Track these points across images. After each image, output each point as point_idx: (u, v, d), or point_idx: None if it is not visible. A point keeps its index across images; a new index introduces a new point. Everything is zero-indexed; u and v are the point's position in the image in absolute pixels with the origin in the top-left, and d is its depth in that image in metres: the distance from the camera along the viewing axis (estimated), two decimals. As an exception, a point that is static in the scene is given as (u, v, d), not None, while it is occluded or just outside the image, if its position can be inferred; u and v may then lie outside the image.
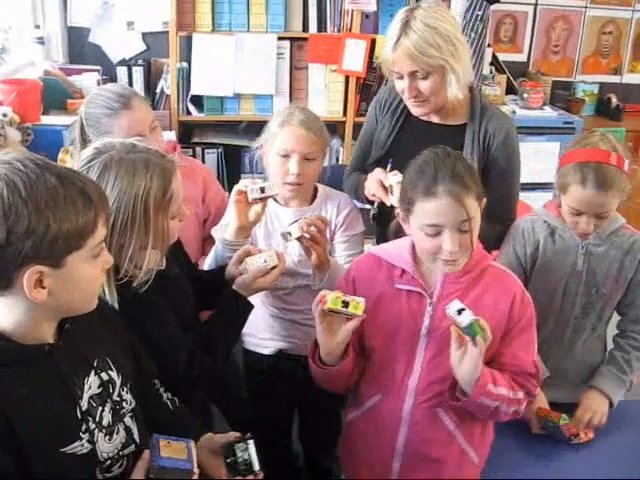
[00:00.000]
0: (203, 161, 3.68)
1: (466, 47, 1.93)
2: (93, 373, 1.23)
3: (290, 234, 1.87)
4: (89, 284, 1.18)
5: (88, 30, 3.64)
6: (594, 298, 1.96)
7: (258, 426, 2.14)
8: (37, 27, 3.45)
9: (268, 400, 2.14)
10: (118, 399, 1.27)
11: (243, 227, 1.87)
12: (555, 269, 1.95)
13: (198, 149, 3.67)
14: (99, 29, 3.65)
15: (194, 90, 3.58)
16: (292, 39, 3.62)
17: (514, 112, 3.96)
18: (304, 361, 1.73)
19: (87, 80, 3.37)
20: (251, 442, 1.36)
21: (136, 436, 1.29)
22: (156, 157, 1.48)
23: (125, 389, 1.29)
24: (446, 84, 1.92)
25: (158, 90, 3.67)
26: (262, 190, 1.84)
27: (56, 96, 3.11)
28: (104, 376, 1.25)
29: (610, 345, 2.05)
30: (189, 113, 3.63)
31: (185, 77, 3.56)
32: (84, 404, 1.19)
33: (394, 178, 1.84)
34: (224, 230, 1.94)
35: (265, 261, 1.76)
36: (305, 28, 3.63)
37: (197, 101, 3.63)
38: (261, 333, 2.11)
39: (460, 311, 1.47)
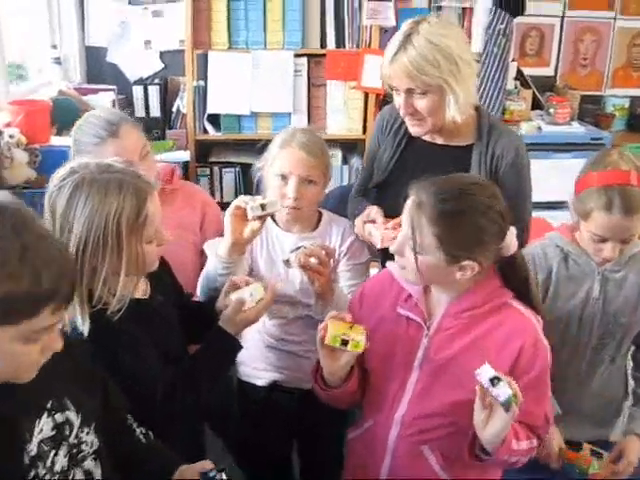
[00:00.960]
0: (220, 180, 3.66)
1: (472, 68, 1.84)
2: (46, 415, 1.17)
3: (289, 262, 1.81)
4: (17, 360, 1.07)
5: (105, 50, 3.64)
6: (612, 327, 1.84)
7: (255, 456, 2.08)
8: (54, 47, 3.45)
9: (262, 431, 2.07)
10: (76, 441, 1.21)
11: (237, 243, 1.80)
12: (569, 297, 1.85)
13: (215, 168, 3.64)
14: (116, 48, 3.64)
15: (210, 109, 3.54)
16: (309, 56, 3.56)
17: (540, 128, 3.84)
18: (299, 394, 1.66)
19: (102, 100, 3.35)
20: (223, 473, 1.34)
21: (98, 478, 1.23)
22: (131, 177, 1.43)
23: (86, 430, 1.23)
24: (444, 104, 1.84)
25: (174, 109, 3.65)
26: (262, 207, 1.77)
27: (69, 116, 3.04)
28: (59, 418, 1.19)
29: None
30: (206, 132, 3.59)
31: (201, 95, 3.52)
32: (32, 448, 1.12)
33: (374, 231, 1.82)
34: (217, 246, 1.87)
35: (251, 295, 1.68)
36: (323, 44, 3.56)
37: (214, 120, 3.59)
38: (255, 363, 2.05)
39: (494, 380, 1.35)
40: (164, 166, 2.25)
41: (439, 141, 1.98)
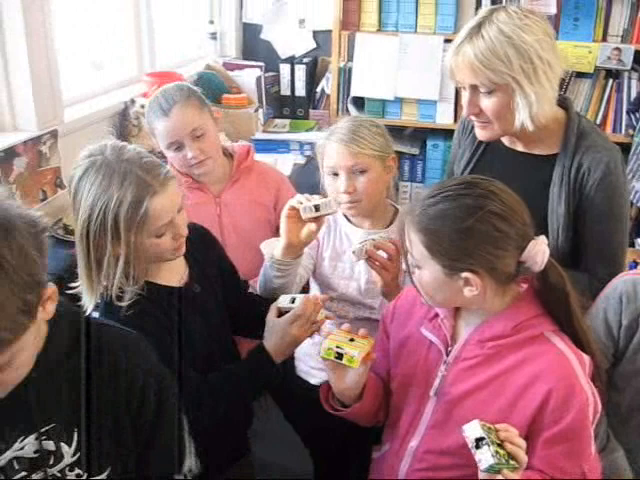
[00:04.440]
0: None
1: (552, 70, 1.62)
2: (34, 437, 1.14)
3: (354, 254, 1.74)
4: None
5: (260, 27, 3.72)
6: None
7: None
8: (211, 22, 3.59)
9: (314, 432, 2.04)
10: (59, 475, 1.17)
11: (292, 245, 1.74)
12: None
13: (356, 153, 3.62)
14: (271, 26, 3.70)
15: (354, 91, 3.51)
16: (461, 42, 3.38)
17: None
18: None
19: (247, 76, 3.45)
20: None
21: None
22: (139, 169, 1.40)
23: (78, 470, 1.18)
24: (514, 107, 1.64)
25: (319, 89, 3.67)
26: (316, 208, 1.70)
27: (212, 90, 3.21)
28: (49, 445, 1.15)
29: None
30: (349, 114, 3.54)
31: (346, 77, 3.51)
32: (1, 460, 1.12)
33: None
34: (275, 246, 1.81)
35: (293, 301, 1.63)
36: (477, 30, 3.35)
37: (358, 103, 3.55)
38: (311, 361, 2.00)
39: (479, 442, 1.20)
40: (240, 145, 2.26)
41: (519, 147, 1.79)
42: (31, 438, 1.14)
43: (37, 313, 1.06)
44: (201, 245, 1.65)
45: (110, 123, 2.78)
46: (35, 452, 1.14)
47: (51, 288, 1.09)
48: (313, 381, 2.00)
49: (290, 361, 2.03)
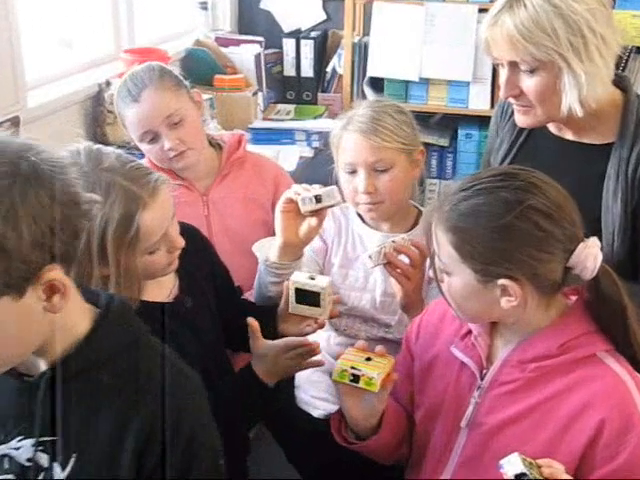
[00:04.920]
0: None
1: (608, 46, 1.64)
2: (31, 442, 1.16)
3: (370, 258, 1.77)
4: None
5: (260, -5, 3.78)
6: None
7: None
8: (201, -10, 3.65)
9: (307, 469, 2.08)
10: None
11: (290, 245, 1.78)
12: None
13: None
14: (272, -7, 3.76)
15: (372, 71, 3.56)
16: (500, 12, 3.43)
17: None
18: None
19: (244, 53, 3.49)
20: None
21: None
22: (124, 179, 1.43)
23: None
24: (560, 88, 1.67)
25: (329, 68, 3.72)
26: (317, 199, 1.73)
27: (203, 70, 3.29)
28: (42, 459, 1.17)
29: None
30: (365, 98, 3.56)
31: (362, 54, 3.56)
32: None
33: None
34: (269, 247, 1.87)
35: (312, 278, 1.67)
36: (519, -2, 3.41)
37: (376, 85, 3.60)
38: (313, 389, 2.04)
39: (520, 478, 1.22)
40: (230, 134, 2.29)
41: (568, 136, 1.83)
42: (29, 442, 1.16)
43: (24, 292, 1.04)
44: (192, 250, 1.67)
45: (81, 109, 2.83)
46: (28, 460, 1.16)
47: (59, 276, 1.06)
48: (316, 413, 2.03)
49: (288, 388, 2.06)
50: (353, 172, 1.85)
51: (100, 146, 1.50)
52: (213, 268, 1.79)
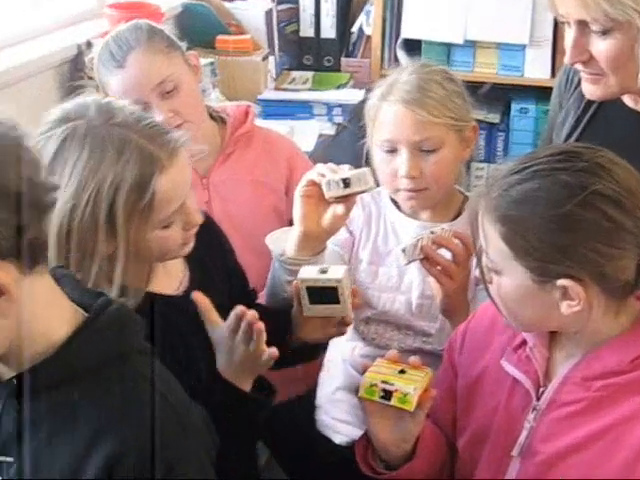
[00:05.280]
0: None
1: None
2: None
3: (404, 252, 1.77)
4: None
5: None
6: None
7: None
8: None
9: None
10: None
11: (310, 236, 1.78)
12: None
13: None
14: None
15: (406, 32, 3.54)
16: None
17: None
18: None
19: (253, 9, 3.47)
20: None
21: None
22: (141, 136, 1.45)
23: None
24: (638, 53, 1.69)
25: (355, 29, 3.69)
26: (346, 183, 1.73)
27: (202, 30, 3.28)
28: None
29: None
30: (398, 64, 3.54)
31: (395, 12, 3.54)
32: None
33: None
34: (286, 239, 1.86)
35: (324, 271, 1.66)
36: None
37: (411, 48, 3.57)
38: (334, 410, 2.06)
39: None
40: (235, 105, 2.30)
41: None
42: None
43: None
44: (205, 239, 1.69)
45: (57, 75, 2.79)
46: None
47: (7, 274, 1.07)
48: (337, 439, 2.04)
49: (308, 408, 2.08)
50: (392, 151, 1.87)
51: (111, 99, 1.55)
52: (228, 265, 1.83)
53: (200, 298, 1.59)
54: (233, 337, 1.55)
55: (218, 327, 1.59)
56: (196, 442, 1.25)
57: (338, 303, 1.67)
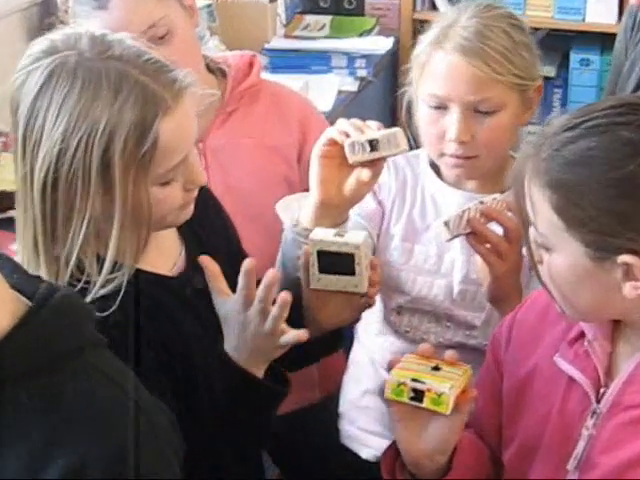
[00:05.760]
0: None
1: None
2: None
3: (447, 225, 1.78)
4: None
5: None
6: None
7: None
8: None
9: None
10: None
11: (329, 204, 1.78)
12: None
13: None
14: None
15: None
16: None
17: None
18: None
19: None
20: None
21: None
22: (144, 73, 1.45)
23: None
24: None
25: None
26: (372, 145, 1.72)
27: None
28: None
29: None
30: (434, 9, 3.65)
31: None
32: None
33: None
34: (299, 207, 1.88)
35: (341, 235, 1.66)
36: None
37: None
38: (363, 420, 2.08)
39: None
40: (238, 55, 2.31)
41: None
42: None
43: None
44: (203, 213, 1.70)
45: (24, 18, 2.85)
46: None
47: None
48: (365, 454, 2.06)
49: (324, 418, 2.11)
50: (441, 108, 1.86)
51: (107, 31, 1.52)
52: (230, 244, 1.84)
53: (208, 263, 1.59)
54: (246, 309, 1.55)
55: (228, 299, 1.59)
56: (164, 442, 1.25)
57: (353, 274, 1.66)
